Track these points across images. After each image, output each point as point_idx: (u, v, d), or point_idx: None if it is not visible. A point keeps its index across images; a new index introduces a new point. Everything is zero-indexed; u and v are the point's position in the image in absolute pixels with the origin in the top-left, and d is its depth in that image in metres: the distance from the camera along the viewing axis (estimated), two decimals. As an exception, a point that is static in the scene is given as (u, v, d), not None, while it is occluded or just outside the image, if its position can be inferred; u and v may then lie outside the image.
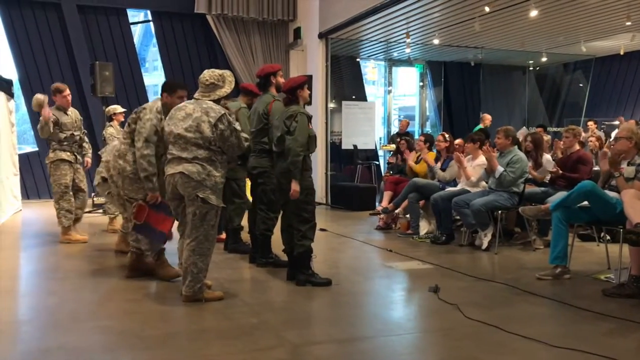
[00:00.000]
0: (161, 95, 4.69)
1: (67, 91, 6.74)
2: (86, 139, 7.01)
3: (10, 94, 9.35)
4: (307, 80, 5.04)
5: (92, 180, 7.18)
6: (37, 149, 11.01)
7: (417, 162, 7.72)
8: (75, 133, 6.73)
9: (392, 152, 10.44)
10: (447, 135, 7.51)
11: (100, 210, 9.01)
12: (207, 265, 4.20)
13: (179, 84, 4.77)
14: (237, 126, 4.19)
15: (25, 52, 10.80)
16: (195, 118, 4.07)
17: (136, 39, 13.36)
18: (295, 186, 4.57)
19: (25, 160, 10.58)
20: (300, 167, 4.60)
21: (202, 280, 4.16)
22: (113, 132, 7.51)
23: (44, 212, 9.35)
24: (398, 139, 9.56)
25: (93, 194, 9.56)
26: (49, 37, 10.94)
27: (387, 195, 7.78)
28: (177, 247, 4.45)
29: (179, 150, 4.10)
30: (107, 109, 7.97)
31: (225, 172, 4.24)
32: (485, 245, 6.17)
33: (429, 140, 7.78)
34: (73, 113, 6.80)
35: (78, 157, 6.81)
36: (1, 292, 4.64)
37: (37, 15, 10.87)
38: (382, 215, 7.67)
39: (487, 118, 11.40)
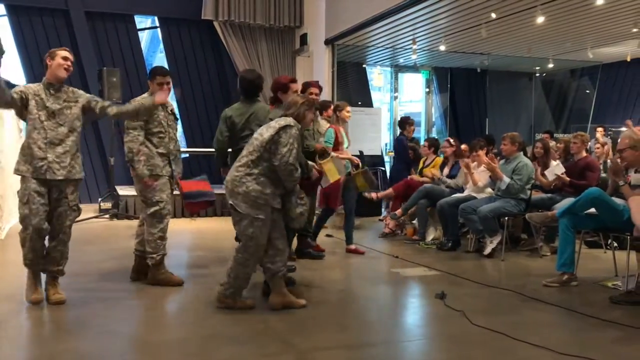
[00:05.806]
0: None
1: None
2: None
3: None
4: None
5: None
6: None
7: (424, 168, 7.71)
8: None
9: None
10: (452, 140, 7.51)
11: (107, 215, 9.05)
12: (247, 276, 4.10)
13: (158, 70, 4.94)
14: (294, 144, 3.91)
15: (34, 58, 10.87)
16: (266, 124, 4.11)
17: (143, 45, 13.42)
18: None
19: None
20: None
21: (236, 288, 4.08)
22: None
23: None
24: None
25: (100, 199, 9.59)
26: (57, 43, 10.96)
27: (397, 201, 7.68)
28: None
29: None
30: None
31: (274, 188, 3.98)
32: (488, 251, 6.12)
33: (434, 144, 7.79)
34: None
35: None
36: (8, 297, 4.66)
37: (45, 22, 10.95)
38: (388, 223, 7.63)
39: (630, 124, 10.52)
